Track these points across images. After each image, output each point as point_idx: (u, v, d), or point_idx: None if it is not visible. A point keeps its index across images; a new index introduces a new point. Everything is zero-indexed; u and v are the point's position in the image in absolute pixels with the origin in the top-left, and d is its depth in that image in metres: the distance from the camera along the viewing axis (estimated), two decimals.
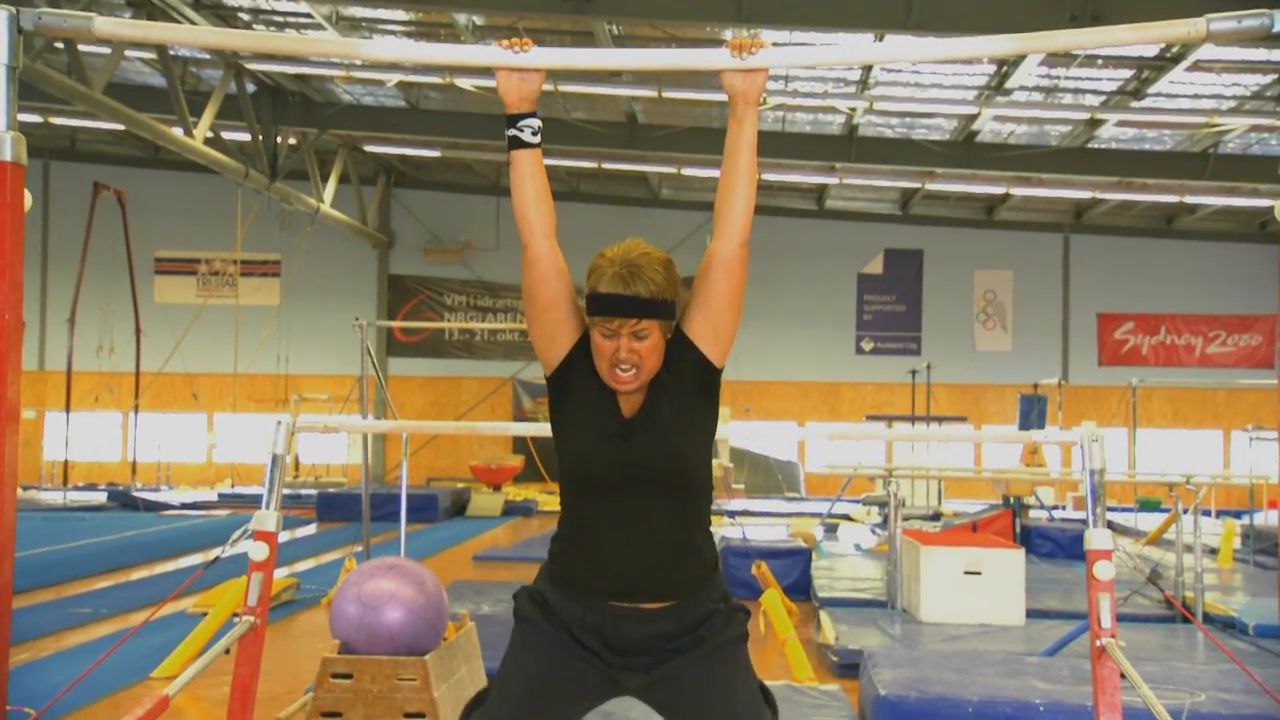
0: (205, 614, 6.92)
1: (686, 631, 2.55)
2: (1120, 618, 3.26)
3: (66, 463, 19.55)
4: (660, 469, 2.51)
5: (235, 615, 3.75)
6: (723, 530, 11.50)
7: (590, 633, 2.55)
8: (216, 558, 3.68)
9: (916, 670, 5.27)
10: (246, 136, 17.08)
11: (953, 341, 22.73)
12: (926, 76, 15.35)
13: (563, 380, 2.57)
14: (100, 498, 18.25)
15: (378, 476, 21.82)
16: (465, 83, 15.62)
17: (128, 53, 15.14)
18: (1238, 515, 14.49)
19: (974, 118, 16.55)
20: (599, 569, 2.54)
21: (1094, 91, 15.58)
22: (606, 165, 20.16)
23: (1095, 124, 16.56)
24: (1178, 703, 4.70)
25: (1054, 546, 12.09)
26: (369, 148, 20.99)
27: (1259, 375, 21.26)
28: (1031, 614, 7.72)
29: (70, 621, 7.90)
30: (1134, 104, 15.40)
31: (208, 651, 3.24)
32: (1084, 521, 3.26)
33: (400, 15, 14.36)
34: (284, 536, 12.25)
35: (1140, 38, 2.66)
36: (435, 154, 20.65)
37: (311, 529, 15.02)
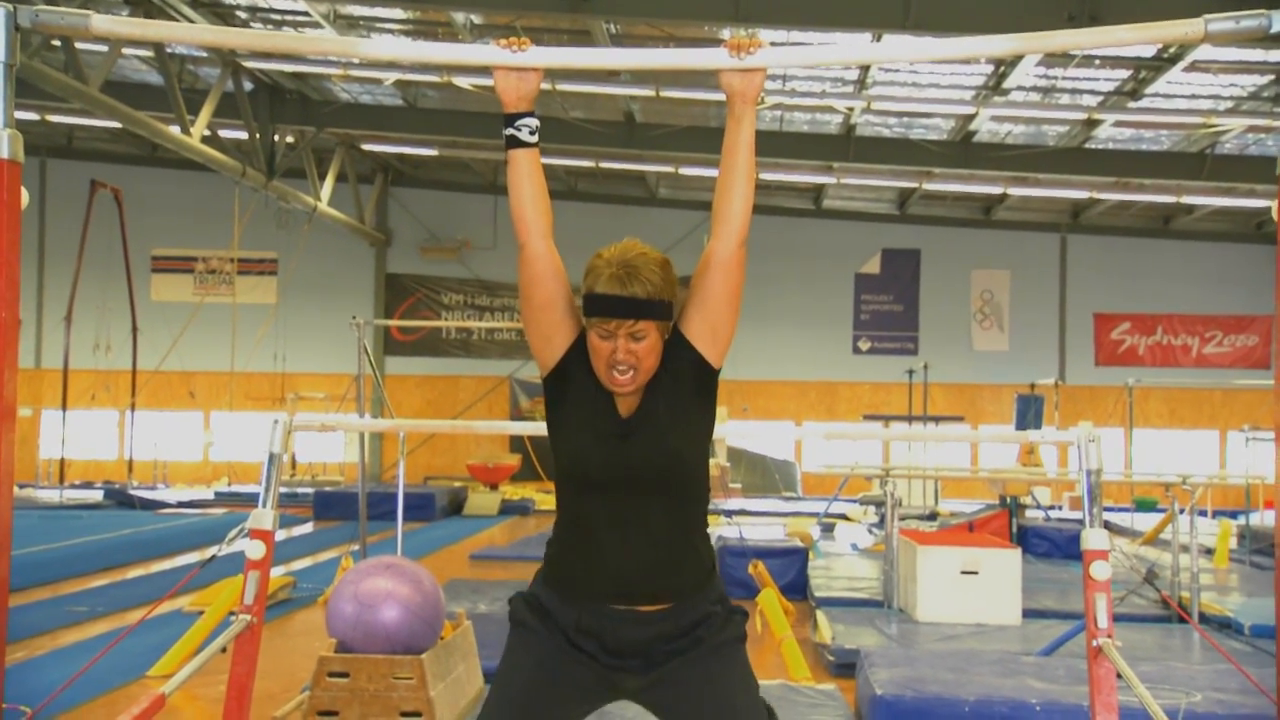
0: (202, 612, 6.92)
1: (684, 634, 2.54)
2: (1116, 617, 3.26)
3: (63, 461, 19.55)
4: (657, 469, 2.49)
5: (232, 614, 3.74)
6: (720, 529, 11.49)
7: (587, 636, 2.54)
8: (213, 556, 3.68)
9: (913, 670, 5.28)
10: (244, 135, 17.07)
11: (950, 341, 22.75)
12: (924, 76, 15.35)
13: (559, 381, 2.56)
14: (96, 496, 18.23)
15: (374, 475, 21.81)
16: (463, 81, 15.61)
17: (125, 50, 15.11)
18: (1234, 515, 14.50)
19: (971, 118, 16.56)
20: (596, 570, 2.53)
21: (1091, 92, 15.59)
22: (604, 164, 20.15)
23: (1092, 124, 16.57)
24: (1173, 703, 4.70)
25: (1050, 546, 12.10)
26: (366, 146, 20.97)
27: (1255, 375, 21.28)
28: (1028, 614, 7.72)
29: (66, 619, 7.89)
30: (1131, 104, 15.42)
31: (204, 650, 3.25)
32: (1080, 521, 3.27)
33: (398, 14, 14.35)
34: (281, 535, 12.26)
35: (1139, 38, 2.66)
36: (433, 152, 20.63)
37: (308, 527, 15.01)
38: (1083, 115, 16.02)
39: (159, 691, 3.00)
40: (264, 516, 3.42)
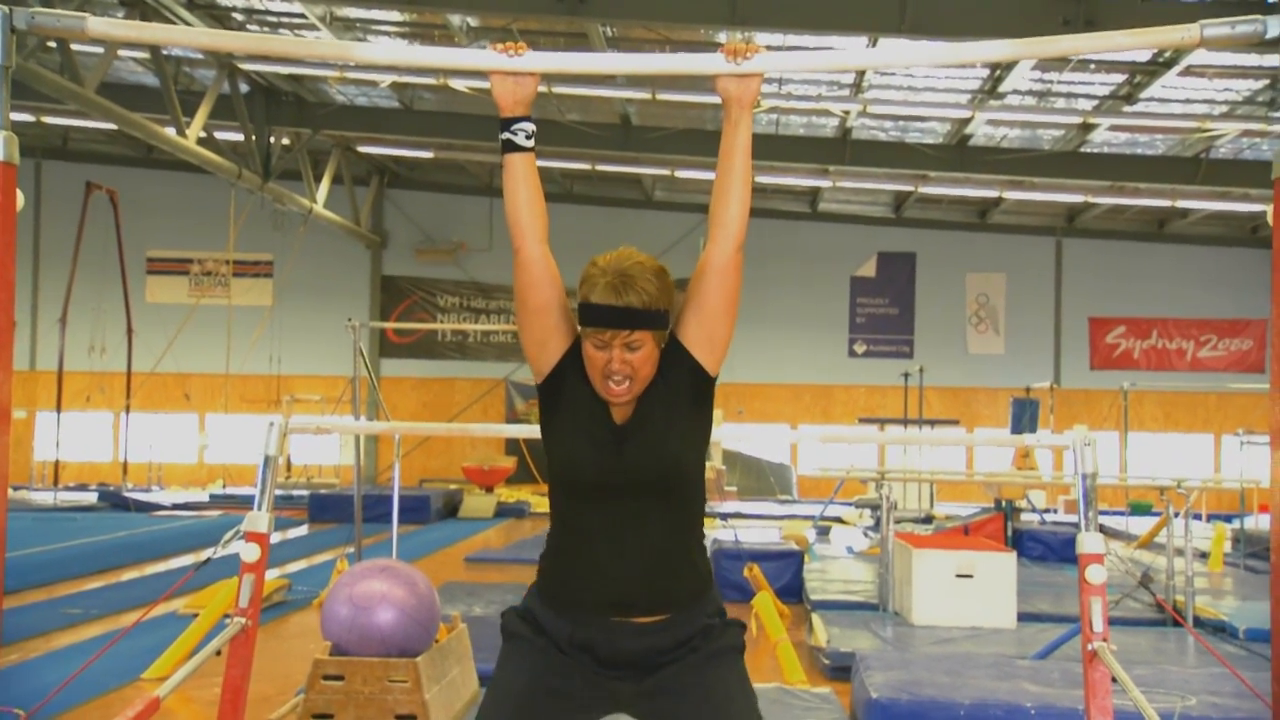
0: (196, 615, 6.90)
1: (680, 645, 2.49)
2: (1111, 621, 3.27)
3: (57, 463, 19.51)
4: (652, 475, 2.46)
5: (227, 616, 3.74)
6: (715, 532, 11.49)
7: (580, 650, 2.49)
8: (208, 559, 3.67)
9: (908, 673, 5.28)
10: (240, 136, 17.06)
11: (945, 344, 22.77)
12: (920, 80, 15.37)
13: (554, 388, 2.53)
14: (91, 498, 18.19)
15: (370, 478, 21.81)
16: (459, 84, 15.62)
17: (120, 52, 15.11)
18: (1228, 519, 14.52)
19: (967, 121, 16.59)
20: (590, 579, 2.49)
21: (1087, 96, 15.63)
22: (600, 167, 20.16)
23: (1088, 128, 16.60)
24: (1168, 706, 4.71)
25: (1045, 550, 12.11)
26: (362, 148, 20.97)
27: (1250, 379, 21.30)
28: (1023, 617, 7.72)
29: (61, 622, 7.87)
30: (1126, 108, 15.45)
31: (199, 653, 3.24)
32: (1075, 525, 3.27)
33: (394, 16, 14.35)
34: (275, 537, 12.23)
35: (1136, 44, 2.67)
36: (428, 155, 20.63)
37: (303, 530, 15.00)
38: (1078, 119, 16.05)
39: (154, 694, 3.00)
40: (259, 519, 3.41)
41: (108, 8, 13.57)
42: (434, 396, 23.27)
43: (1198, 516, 13.36)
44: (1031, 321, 22.99)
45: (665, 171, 19.96)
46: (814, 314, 22.97)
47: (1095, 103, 15.73)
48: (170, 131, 14.82)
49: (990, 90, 15.23)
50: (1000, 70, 14.38)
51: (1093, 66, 14.33)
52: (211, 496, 19.23)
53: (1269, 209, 2.83)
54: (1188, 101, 15.39)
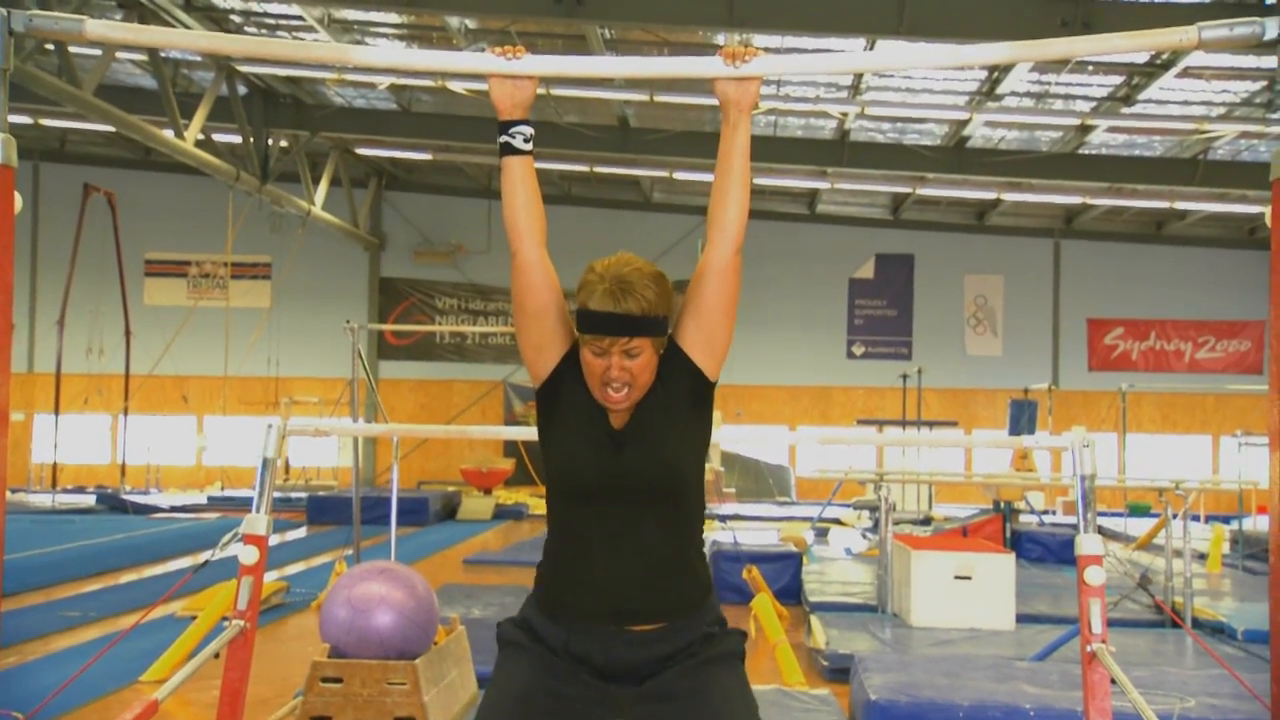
0: (195, 617, 6.90)
1: (679, 652, 2.46)
2: (1110, 622, 3.27)
3: (55, 465, 19.50)
4: (650, 480, 2.44)
5: (225, 619, 3.74)
6: (714, 534, 11.49)
7: (578, 660, 2.46)
8: (206, 561, 3.67)
9: (907, 675, 5.28)
10: (238, 139, 17.05)
11: (943, 346, 22.78)
12: (918, 82, 15.38)
13: (552, 392, 2.52)
14: (89, 500, 18.18)
15: (368, 480, 21.80)
16: (457, 86, 15.62)
17: (118, 54, 15.10)
18: (1226, 520, 14.53)
19: (965, 123, 16.59)
20: (587, 587, 2.45)
21: (1085, 97, 15.64)
22: (598, 169, 20.16)
23: (1086, 130, 16.61)
24: (1167, 708, 4.71)
25: (1044, 551, 12.11)
26: (360, 150, 20.96)
27: (1248, 381, 21.32)
28: (1021, 619, 7.72)
29: (59, 624, 7.87)
30: (1124, 110, 15.46)
31: (197, 655, 3.24)
32: (1073, 526, 3.27)
33: (392, 18, 14.35)
34: (274, 540, 12.20)
35: (1134, 46, 2.67)
36: (427, 157, 20.63)
37: (301, 532, 14.99)
38: (1076, 121, 16.06)
39: (152, 697, 3.00)
40: (257, 521, 3.41)
41: (106, 10, 13.56)
42: (432, 398, 23.27)
43: (1196, 518, 13.37)
44: (1030, 323, 23.00)
45: (664, 173, 19.96)
46: (812, 316, 22.98)
47: (1093, 104, 15.74)
48: (168, 134, 14.81)
49: (988, 92, 15.24)
50: (998, 72, 14.39)
51: (1091, 68, 14.34)
52: (210, 499, 19.22)
53: (1267, 210, 2.83)
54: (1186, 103, 15.40)
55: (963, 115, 16.05)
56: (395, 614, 4.77)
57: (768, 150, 17.39)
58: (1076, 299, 22.94)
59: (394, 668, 4.69)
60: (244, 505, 12.96)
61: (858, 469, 13.56)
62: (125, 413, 20.25)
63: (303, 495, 17.47)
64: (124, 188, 21.01)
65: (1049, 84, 15.11)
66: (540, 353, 2.52)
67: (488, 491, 18.40)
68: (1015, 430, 16.72)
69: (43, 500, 18.02)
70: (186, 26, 13.27)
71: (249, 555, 3.36)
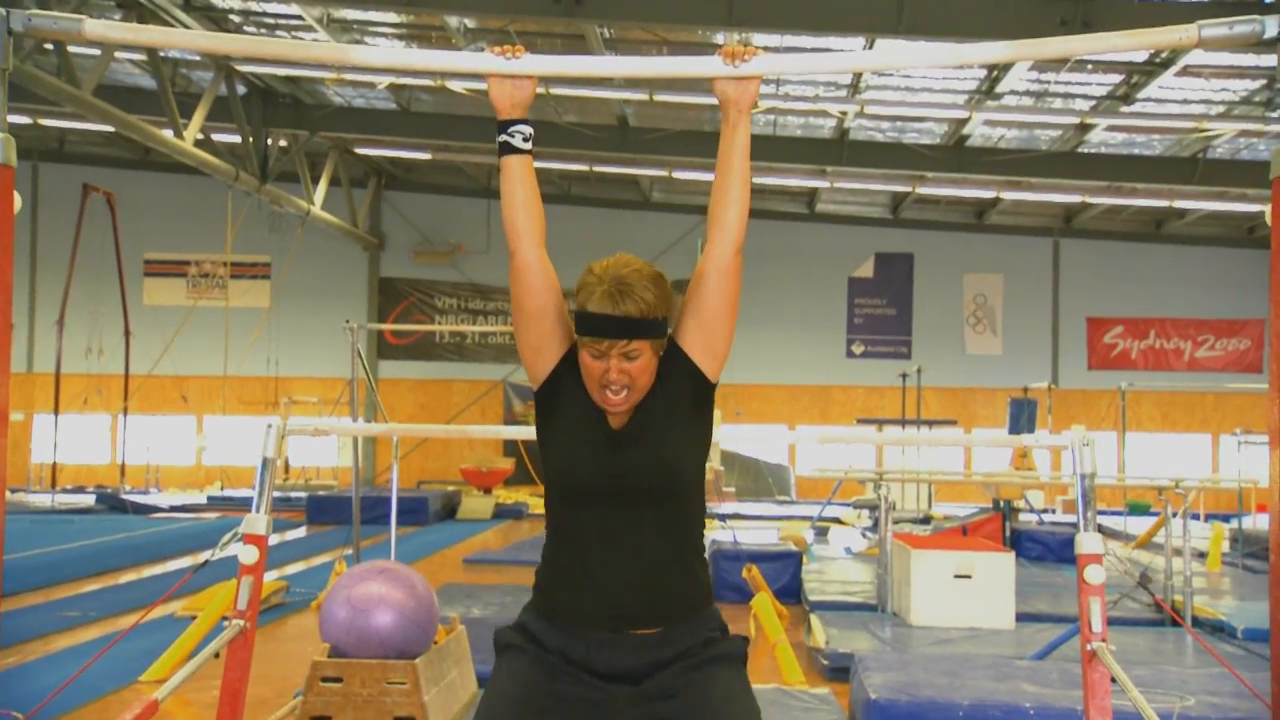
0: (194, 617, 6.90)
1: (680, 655, 2.43)
2: (1110, 621, 3.27)
3: (55, 465, 19.50)
4: (650, 480, 2.42)
5: (225, 619, 3.74)
6: (713, 534, 11.49)
7: (577, 664, 2.43)
8: (206, 561, 3.66)
9: (907, 674, 5.28)
10: (237, 138, 17.04)
11: (943, 345, 22.78)
12: (917, 81, 15.38)
13: (550, 393, 2.50)
14: (88, 500, 18.18)
15: (368, 479, 21.80)
16: (457, 85, 15.62)
17: (117, 54, 15.10)
18: (1226, 519, 14.54)
19: (964, 122, 16.59)
20: (585, 589, 2.43)
21: (1084, 96, 15.64)
22: (598, 168, 20.16)
23: (1085, 128, 16.61)
24: (1167, 706, 4.71)
25: (1043, 550, 12.11)
26: (360, 150, 20.96)
27: (1248, 379, 21.32)
28: (1021, 617, 7.72)
29: (59, 624, 7.86)
30: (1124, 109, 15.46)
31: (197, 655, 3.23)
32: (1073, 525, 3.27)
33: (391, 17, 14.35)
34: (274, 539, 12.20)
35: (1134, 44, 2.67)
36: (426, 156, 20.63)
37: (301, 532, 14.99)
38: (1075, 119, 16.06)
39: (152, 697, 2.99)
40: (257, 521, 3.41)
41: (105, 10, 13.56)
42: (432, 398, 23.27)
43: (1196, 516, 13.36)
44: (1029, 322, 23.00)
45: (663, 173, 19.96)
46: (812, 315, 22.98)
47: (1092, 103, 15.74)
48: (167, 133, 14.81)
49: (987, 91, 15.24)
50: (997, 71, 14.38)
51: (1090, 67, 14.34)
52: (209, 498, 19.22)
53: (1267, 209, 2.83)
54: (1185, 102, 15.40)
55: (962, 114, 16.05)
56: (395, 614, 4.77)
57: (767, 149, 17.39)
58: (1076, 298, 22.94)
59: (394, 667, 4.69)
60: (244, 505, 12.96)
61: (857, 468, 13.56)
62: (125, 412, 20.25)
63: (302, 495, 17.46)
64: (123, 187, 21.02)
65: (1048, 83, 15.11)
66: (539, 353, 2.50)
67: (487, 491, 18.40)
68: (1015, 429, 16.73)
69: (42, 500, 18.02)
70: (185, 26, 13.27)
71: (249, 555, 3.36)
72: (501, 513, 17.80)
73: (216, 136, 16.75)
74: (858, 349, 23.19)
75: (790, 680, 6.18)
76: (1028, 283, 22.99)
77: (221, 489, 20.87)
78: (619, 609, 2.43)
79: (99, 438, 22.89)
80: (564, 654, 2.45)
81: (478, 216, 22.82)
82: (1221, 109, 15.51)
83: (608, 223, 22.17)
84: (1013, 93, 15.43)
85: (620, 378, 2.39)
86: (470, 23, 14.00)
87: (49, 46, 13.47)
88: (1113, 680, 3.03)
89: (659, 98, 15.74)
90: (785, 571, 9.26)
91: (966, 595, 7.56)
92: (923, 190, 20.30)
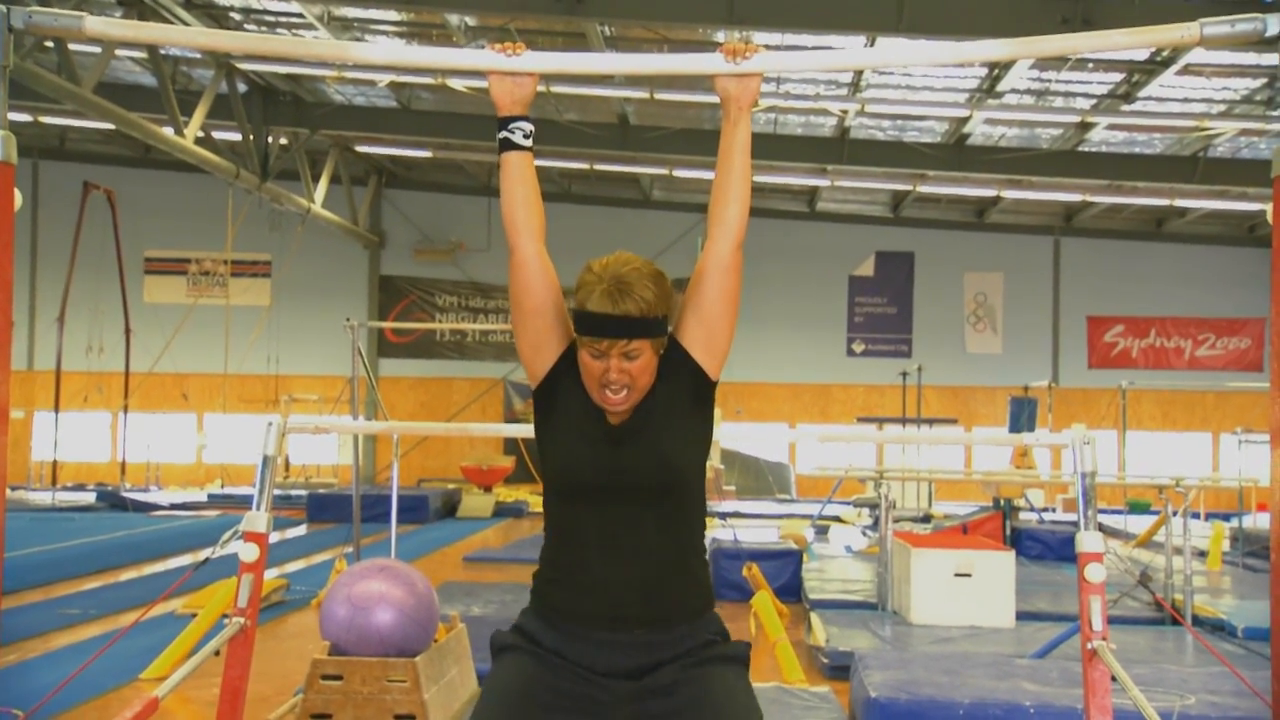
0: (195, 615, 6.90)
1: (680, 656, 2.42)
2: (1110, 620, 3.26)
3: (55, 463, 19.50)
4: (650, 479, 2.40)
5: (225, 617, 3.74)
6: (714, 532, 11.49)
7: (575, 664, 2.42)
8: (206, 559, 3.66)
9: (907, 672, 5.27)
10: (237, 136, 17.04)
11: (943, 343, 22.78)
12: (918, 79, 15.38)
13: (549, 392, 2.49)
14: (89, 498, 18.18)
15: (368, 477, 21.81)
16: (457, 83, 15.61)
17: (118, 52, 15.10)
18: (1226, 518, 14.53)
19: (965, 120, 16.59)
20: (584, 589, 2.42)
21: (1085, 95, 15.63)
22: (598, 167, 20.16)
23: (1086, 127, 16.61)
24: (1167, 705, 4.70)
25: (1044, 548, 12.12)
26: (360, 148, 20.96)
27: (1248, 378, 21.32)
28: (1021, 616, 7.72)
29: (59, 622, 7.86)
30: (1124, 107, 15.45)
31: (197, 653, 3.23)
32: (1073, 524, 3.27)
33: (392, 15, 14.35)
34: (274, 537, 12.21)
35: (1135, 43, 2.66)
36: (426, 154, 20.63)
37: (301, 530, 14.99)
38: (1076, 118, 16.06)
39: (152, 695, 2.99)
40: (257, 519, 3.41)
41: (105, 7, 13.55)
42: (432, 396, 23.27)
43: (1196, 515, 13.36)
44: (1029, 320, 23.00)
45: (663, 171, 19.96)
46: (812, 313, 22.98)
47: (1093, 102, 15.73)
48: (168, 131, 14.81)
49: (988, 89, 15.24)
50: (998, 69, 14.38)
51: (1091, 65, 14.33)
52: (210, 496, 19.21)
53: (1268, 207, 2.83)
54: (1186, 100, 15.40)
55: (963, 112, 16.05)
56: (395, 611, 4.77)
57: (768, 148, 17.38)
58: (1076, 296, 22.94)
59: (394, 665, 4.68)
60: (244, 503, 12.95)
61: (858, 466, 13.57)
62: (125, 410, 20.26)
63: (303, 493, 17.47)
64: (123, 185, 21.03)
65: (1049, 81, 15.10)
66: (538, 352, 2.49)
67: (488, 489, 18.40)
68: (1015, 428, 16.73)
69: (43, 498, 18.02)
70: (186, 24, 13.26)
71: (249, 553, 3.36)
72: (502, 511, 17.81)
73: (217, 134, 16.75)
74: (858, 347, 23.19)
75: (790, 679, 6.18)
76: (1028, 281, 22.99)
77: (222, 487, 20.87)
78: (619, 609, 2.41)
79: (99, 435, 22.90)
80: (563, 653, 2.43)
81: (478, 215, 22.82)
82: (1222, 108, 15.51)
83: (608, 221, 22.16)
84: (1014, 91, 15.43)
85: (620, 377, 2.37)
86: (471, 20, 13.99)
87: (49, 44, 13.46)
88: (1113, 679, 3.03)
89: (659, 96, 15.73)
90: (785, 570, 9.26)
91: (967, 594, 7.56)
92: (923, 189, 20.30)
